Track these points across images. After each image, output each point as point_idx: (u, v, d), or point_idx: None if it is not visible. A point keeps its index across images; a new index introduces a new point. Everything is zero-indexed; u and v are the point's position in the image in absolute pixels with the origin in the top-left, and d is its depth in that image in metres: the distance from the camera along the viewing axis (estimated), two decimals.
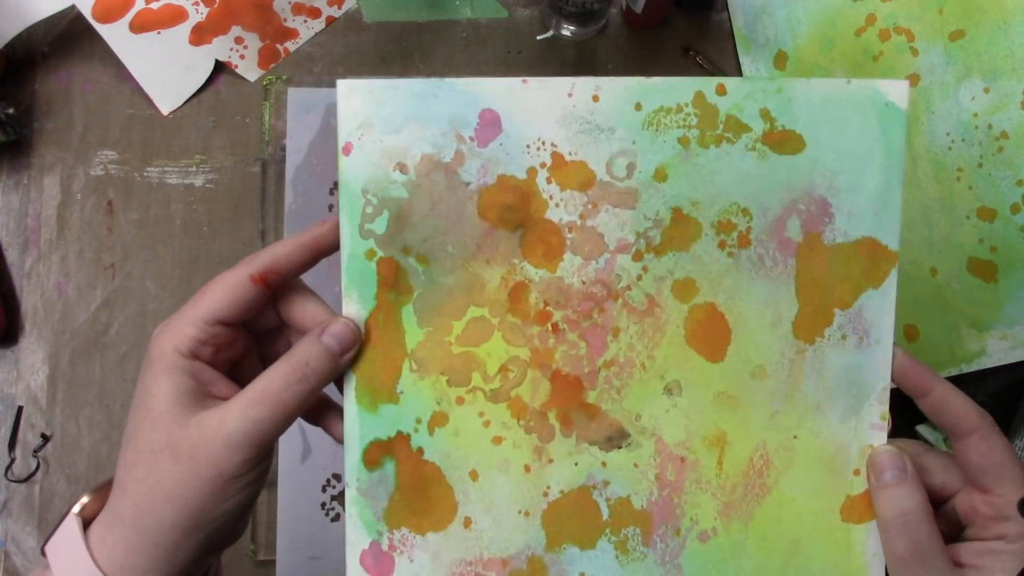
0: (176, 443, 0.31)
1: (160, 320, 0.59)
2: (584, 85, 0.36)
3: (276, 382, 0.32)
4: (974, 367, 0.51)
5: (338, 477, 0.56)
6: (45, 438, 0.57)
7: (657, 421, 0.38)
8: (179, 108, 0.60)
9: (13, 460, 0.57)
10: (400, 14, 0.62)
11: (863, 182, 0.37)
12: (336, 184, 0.58)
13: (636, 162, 0.36)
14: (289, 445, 0.56)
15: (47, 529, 0.57)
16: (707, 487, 0.38)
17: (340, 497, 0.56)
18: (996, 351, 0.50)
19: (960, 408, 0.35)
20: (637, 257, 0.37)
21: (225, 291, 0.34)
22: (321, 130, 0.58)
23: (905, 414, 0.57)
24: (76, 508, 0.34)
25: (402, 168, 0.36)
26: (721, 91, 0.36)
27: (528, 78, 0.36)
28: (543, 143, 0.36)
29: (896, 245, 0.37)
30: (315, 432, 0.56)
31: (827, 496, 0.38)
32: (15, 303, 0.59)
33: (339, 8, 0.61)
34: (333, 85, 0.60)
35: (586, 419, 0.38)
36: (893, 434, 0.51)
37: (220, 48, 0.60)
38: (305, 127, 0.58)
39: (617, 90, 0.36)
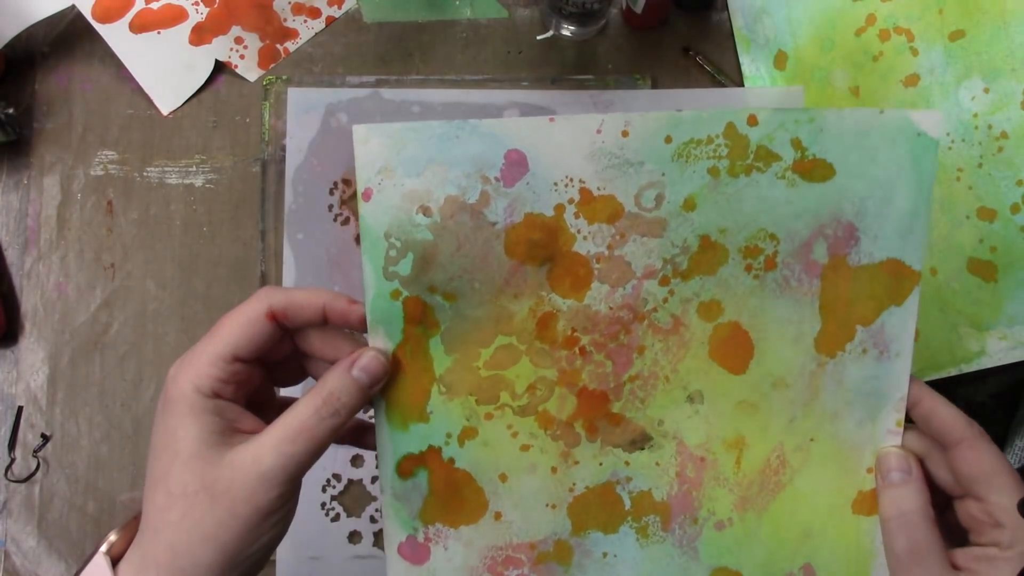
0: (211, 484, 0.31)
1: (161, 320, 0.59)
2: (613, 121, 0.36)
3: (309, 418, 0.32)
4: (974, 367, 0.51)
5: (338, 477, 0.56)
6: (45, 438, 0.57)
7: (679, 426, 0.39)
8: (179, 108, 0.60)
9: (13, 460, 0.57)
10: (400, 14, 0.61)
11: (891, 207, 0.37)
12: (336, 184, 0.58)
13: (665, 193, 0.36)
14: None
15: (47, 529, 0.57)
16: (725, 483, 0.39)
17: (340, 497, 0.56)
18: (996, 351, 0.50)
19: (947, 418, 0.36)
20: (664, 282, 0.37)
21: (241, 328, 0.33)
22: (321, 130, 0.58)
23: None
24: (104, 548, 0.33)
25: (426, 211, 0.35)
26: (753, 122, 0.36)
27: (555, 116, 0.36)
28: (571, 180, 0.36)
29: (920, 265, 0.37)
30: None
31: (840, 491, 0.39)
32: (15, 303, 0.59)
33: (339, 8, 0.61)
34: (333, 85, 0.60)
35: (610, 426, 0.39)
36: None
37: (220, 48, 0.60)
38: (305, 127, 0.58)
39: (648, 124, 0.36)
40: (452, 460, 0.37)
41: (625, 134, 0.36)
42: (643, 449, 0.39)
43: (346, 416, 0.33)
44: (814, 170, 0.37)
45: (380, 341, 0.36)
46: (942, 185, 0.51)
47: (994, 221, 0.50)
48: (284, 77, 0.60)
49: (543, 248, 0.36)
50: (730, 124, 0.36)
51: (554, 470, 0.38)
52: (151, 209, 0.60)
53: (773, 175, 0.37)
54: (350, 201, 0.58)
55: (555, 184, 0.36)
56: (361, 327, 0.35)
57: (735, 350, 0.38)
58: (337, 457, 0.56)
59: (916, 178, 0.37)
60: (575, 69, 0.61)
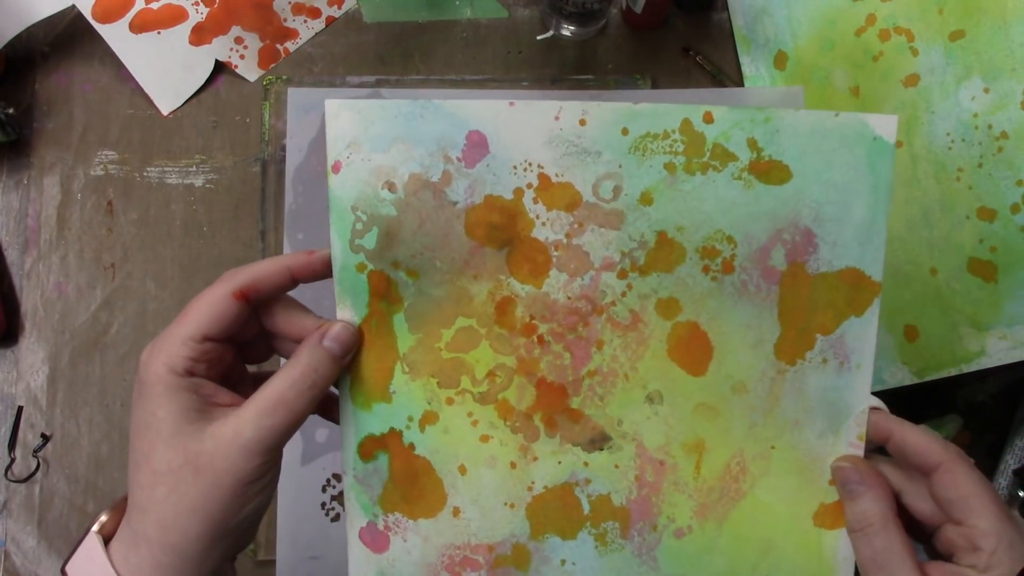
0: (194, 458, 0.32)
1: (161, 320, 0.59)
2: (571, 109, 0.36)
3: (287, 390, 0.33)
4: (974, 367, 0.51)
5: (338, 477, 0.56)
6: (45, 438, 0.58)
7: (638, 427, 0.39)
8: (179, 108, 0.60)
9: (13, 460, 0.57)
10: (400, 14, 0.61)
11: (849, 214, 0.37)
12: None
13: (622, 185, 0.37)
14: (289, 446, 0.56)
15: (47, 529, 0.57)
16: (684, 489, 0.39)
17: (340, 497, 0.56)
18: (996, 351, 0.50)
19: (922, 444, 0.35)
20: (622, 275, 0.38)
21: (209, 308, 0.34)
22: (321, 130, 0.58)
23: (906, 416, 0.57)
24: (95, 527, 0.34)
25: (390, 187, 0.36)
26: (708, 119, 0.36)
27: (516, 100, 0.37)
28: (530, 164, 0.37)
29: (879, 276, 0.37)
30: (316, 433, 0.56)
31: (801, 502, 0.38)
32: (15, 303, 0.59)
33: (339, 8, 0.61)
34: (333, 85, 0.60)
35: (570, 422, 0.39)
36: None
37: (220, 48, 0.60)
38: (305, 127, 0.58)
39: (604, 115, 0.36)
40: (412, 446, 0.38)
41: (583, 123, 0.36)
42: (602, 450, 0.39)
43: (322, 386, 0.34)
44: (771, 172, 0.37)
45: (347, 314, 0.37)
46: (942, 185, 0.52)
47: (994, 221, 0.50)
48: (284, 77, 0.60)
49: (502, 231, 0.37)
50: (686, 120, 0.36)
51: (513, 465, 0.38)
52: (151, 209, 0.60)
53: (730, 175, 0.37)
54: None
55: (515, 167, 0.36)
56: (327, 271, 0.36)
57: (694, 351, 0.38)
58: (336, 458, 0.56)
59: (873, 184, 0.36)
60: (575, 69, 0.61)
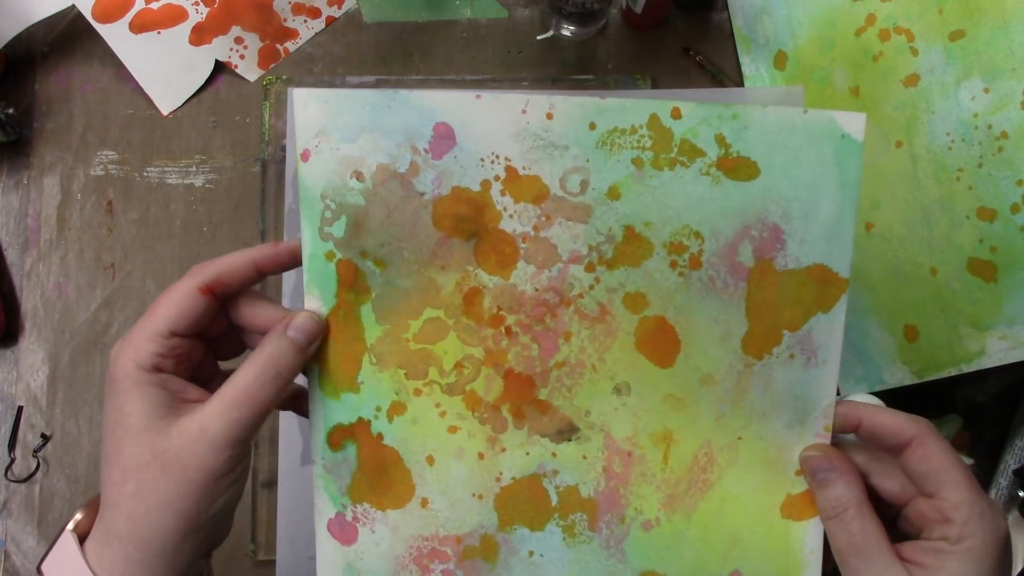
0: (161, 453, 0.32)
1: None
2: (538, 102, 0.36)
3: (251, 383, 0.33)
4: (974, 367, 0.51)
5: None
6: (45, 438, 0.58)
7: (606, 418, 0.39)
8: (179, 108, 0.60)
9: (13, 460, 0.57)
10: (400, 14, 0.62)
11: (816, 211, 0.37)
12: None
13: (590, 179, 0.37)
14: (289, 447, 0.56)
15: (47, 529, 0.57)
16: (652, 480, 0.39)
17: None
18: (996, 351, 0.50)
19: (893, 423, 0.36)
20: (589, 268, 0.38)
21: (175, 304, 0.34)
22: None
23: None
24: (70, 526, 0.34)
25: (359, 176, 0.36)
26: (676, 115, 0.36)
27: (483, 92, 0.37)
28: (497, 157, 0.37)
29: (847, 272, 0.37)
30: None
31: (768, 493, 0.39)
32: (15, 303, 0.59)
33: (339, 8, 0.61)
34: (334, 85, 0.60)
35: (538, 413, 0.39)
36: None
37: (220, 48, 0.60)
38: None
39: (571, 109, 0.36)
40: (380, 435, 0.38)
41: (550, 116, 0.36)
42: (570, 440, 0.39)
43: (288, 377, 0.34)
44: (739, 168, 0.37)
45: (315, 304, 0.37)
46: (942, 185, 0.52)
47: (994, 221, 0.50)
48: (284, 77, 0.60)
49: (470, 222, 0.37)
50: (654, 115, 0.36)
51: (481, 456, 0.38)
52: (151, 209, 0.60)
53: (697, 171, 0.37)
54: None
55: (482, 160, 0.37)
56: (294, 262, 0.37)
57: (662, 343, 0.38)
58: None
59: (840, 181, 0.36)
60: (575, 69, 0.61)
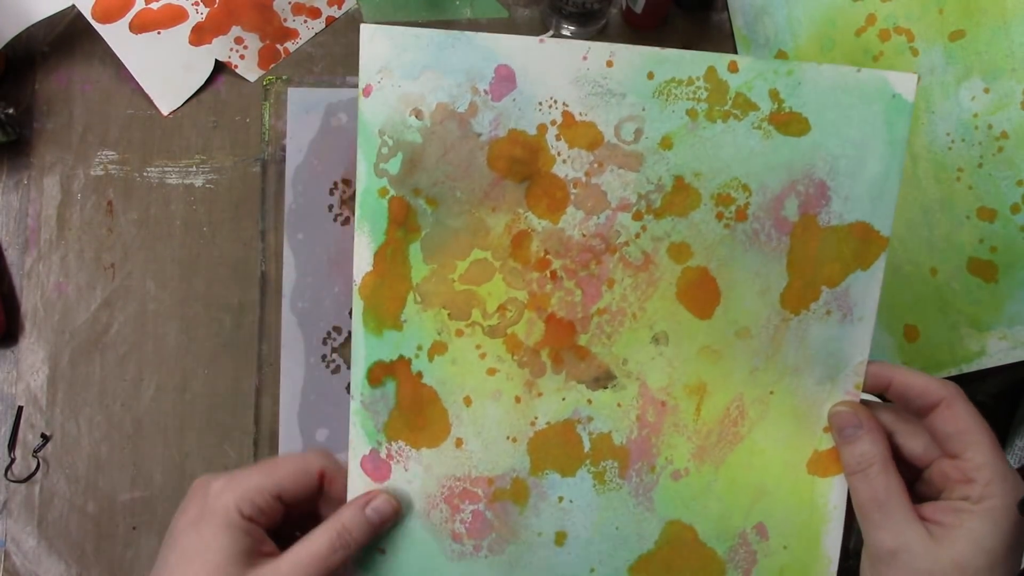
0: None
1: (161, 320, 0.59)
2: (599, 50, 0.37)
3: (323, 548, 0.36)
4: (974, 367, 0.51)
5: None
6: (45, 438, 0.58)
7: (643, 367, 0.40)
8: (179, 108, 0.60)
9: (13, 460, 0.57)
10: (400, 14, 0.61)
11: (863, 169, 0.38)
12: (336, 184, 0.58)
13: (644, 128, 0.38)
14: (289, 445, 0.56)
15: (47, 529, 0.57)
16: (684, 431, 0.40)
17: None
18: (996, 351, 0.50)
19: (922, 384, 0.36)
20: (637, 217, 0.39)
21: (296, 475, 0.37)
22: (321, 130, 0.58)
23: None
24: None
25: (418, 114, 0.37)
26: (733, 68, 0.37)
27: (545, 37, 0.38)
28: (555, 102, 0.37)
29: (888, 231, 0.38)
30: (316, 433, 0.56)
31: (796, 449, 0.40)
32: (15, 303, 0.59)
33: (339, 8, 0.61)
34: (333, 85, 0.60)
35: (576, 359, 0.39)
36: None
37: (220, 48, 0.60)
38: (305, 127, 0.58)
39: (632, 58, 0.37)
40: (420, 374, 0.39)
41: (610, 64, 0.37)
42: (606, 388, 0.40)
43: (355, 548, 0.37)
44: (790, 123, 0.38)
45: (364, 239, 0.38)
46: (942, 185, 0.52)
47: (994, 221, 0.50)
48: (284, 77, 0.60)
49: (524, 165, 0.38)
50: (711, 68, 0.37)
51: (518, 399, 0.39)
52: (151, 209, 0.60)
53: (750, 124, 0.38)
54: (350, 201, 0.58)
55: (539, 104, 0.37)
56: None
57: (702, 295, 0.39)
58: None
59: (889, 140, 0.37)
60: None
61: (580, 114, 0.38)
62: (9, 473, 0.57)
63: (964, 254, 0.51)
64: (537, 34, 0.61)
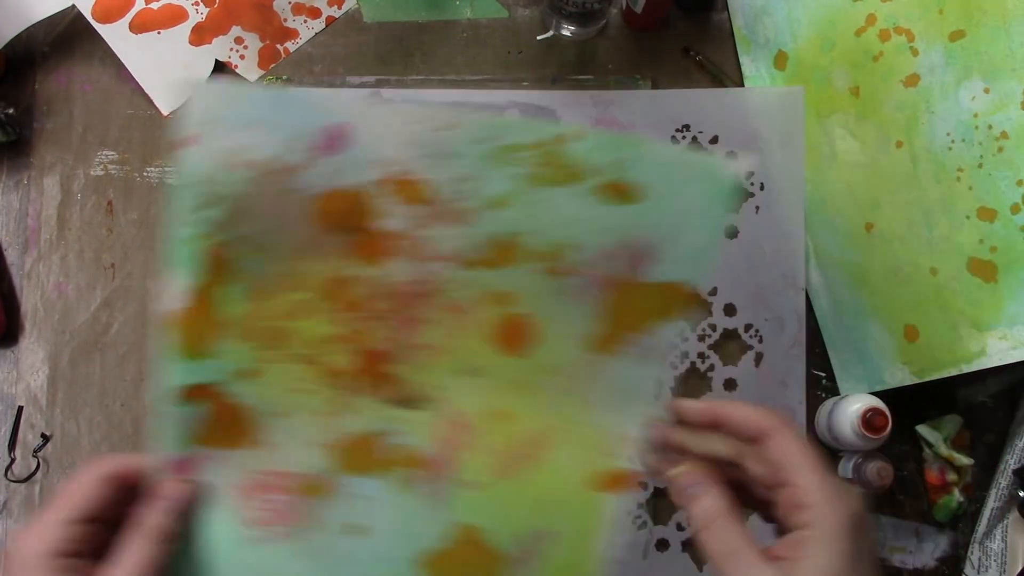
0: None
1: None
2: (438, 114, 0.39)
3: (138, 554, 0.36)
4: (974, 367, 0.51)
5: None
6: (45, 438, 0.57)
7: (454, 393, 0.42)
8: (179, 108, 0.60)
9: (13, 460, 0.57)
10: (400, 14, 0.62)
11: (686, 236, 0.40)
12: None
13: (475, 188, 0.39)
14: None
15: None
16: (485, 450, 0.42)
17: None
18: (996, 351, 0.50)
19: (749, 417, 0.38)
20: (463, 267, 0.40)
21: (91, 491, 0.36)
22: None
23: (906, 416, 0.57)
24: None
25: (244, 166, 0.37)
26: (572, 137, 0.39)
27: (385, 94, 0.40)
28: (387, 160, 0.38)
29: (706, 289, 0.44)
30: None
31: (582, 469, 0.43)
32: (15, 303, 0.59)
33: (339, 8, 0.61)
34: (334, 85, 0.60)
35: (390, 383, 0.42)
36: (895, 435, 0.52)
37: (220, 48, 0.60)
38: None
39: (471, 123, 0.39)
40: (231, 394, 0.39)
41: (448, 127, 0.39)
42: (417, 408, 0.42)
43: (168, 538, 0.37)
44: (623, 192, 0.40)
45: (181, 282, 0.38)
46: (942, 185, 0.52)
47: (994, 221, 0.50)
48: (284, 77, 0.60)
49: (350, 218, 0.38)
50: (549, 135, 0.39)
51: (330, 414, 0.41)
52: (151, 209, 0.60)
53: (583, 190, 0.39)
54: None
55: (371, 162, 0.38)
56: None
57: (520, 338, 0.42)
58: None
59: (714, 214, 0.41)
60: (575, 69, 0.61)
61: (413, 173, 0.39)
62: (9, 473, 0.57)
63: (964, 254, 0.51)
64: (538, 34, 0.61)
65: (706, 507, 0.37)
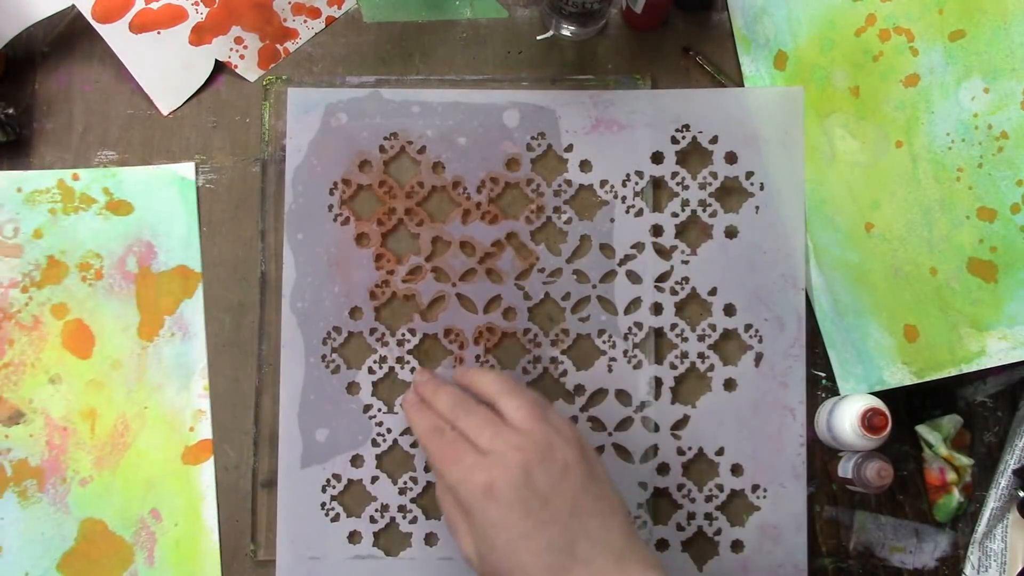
0: None
1: None
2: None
3: None
4: (974, 367, 0.51)
5: (338, 477, 0.56)
6: None
7: (45, 403, 0.55)
8: (179, 108, 0.60)
9: None
10: (400, 14, 0.61)
11: (173, 229, 0.57)
12: (336, 184, 0.58)
13: (20, 226, 0.56)
14: (289, 445, 0.56)
15: None
16: (84, 447, 0.54)
17: (340, 497, 0.56)
18: (996, 351, 0.50)
19: (485, 383, 0.47)
20: (24, 290, 0.55)
21: None
22: (321, 130, 0.58)
23: (906, 416, 0.57)
24: None
25: None
26: (76, 177, 0.57)
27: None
28: None
29: (199, 269, 0.57)
30: (316, 433, 0.56)
31: (171, 447, 0.55)
32: None
33: (339, 8, 0.61)
34: (333, 85, 0.60)
35: None
36: (895, 435, 0.52)
37: (220, 48, 0.60)
38: (305, 127, 0.58)
39: (4, 180, 0.57)
40: None
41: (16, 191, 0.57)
42: (19, 424, 0.54)
43: None
44: (119, 208, 0.57)
45: None
46: (942, 185, 0.51)
47: (994, 221, 0.50)
48: (284, 77, 0.60)
49: None
50: (60, 180, 0.57)
51: None
52: None
53: (94, 212, 0.57)
54: (350, 201, 0.58)
55: None
56: None
57: (81, 341, 0.55)
58: (337, 458, 0.56)
59: (184, 208, 0.57)
60: (575, 69, 0.61)
61: None
62: None
63: (964, 254, 0.51)
64: (538, 34, 0.61)
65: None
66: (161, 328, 0.55)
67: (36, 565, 0.53)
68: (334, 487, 0.56)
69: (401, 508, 0.56)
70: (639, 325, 0.57)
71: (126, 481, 0.54)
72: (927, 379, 0.53)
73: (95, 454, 0.53)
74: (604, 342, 0.57)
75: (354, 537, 0.56)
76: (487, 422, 0.44)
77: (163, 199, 0.57)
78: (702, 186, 0.58)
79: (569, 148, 0.59)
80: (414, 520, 0.56)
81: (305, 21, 0.61)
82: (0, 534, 0.52)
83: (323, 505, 0.56)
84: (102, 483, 0.53)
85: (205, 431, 0.55)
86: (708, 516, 0.56)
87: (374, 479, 0.56)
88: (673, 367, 0.57)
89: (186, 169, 0.57)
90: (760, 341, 0.57)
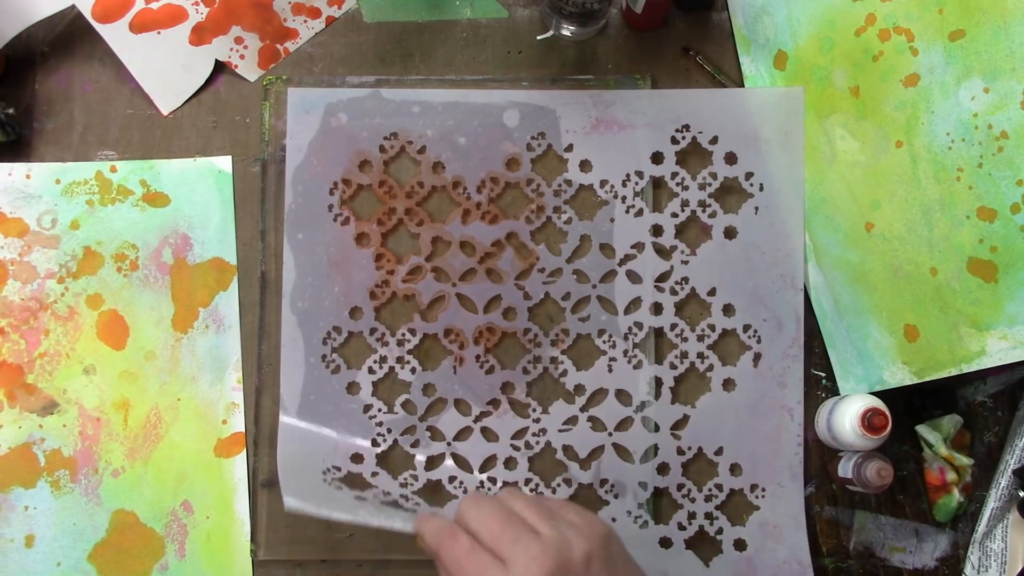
0: None
1: None
2: (19, 168, 0.57)
3: None
4: (974, 367, 0.51)
5: (338, 468, 0.56)
6: None
7: (79, 393, 0.55)
8: (179, 108, 0.60)
9: None
10: (400, 14, 0.61)
11: (210, 222, 0.57)
12: (336, 184, 0.58)
13: (58, 217, 0.57)
14: (289, 447, 0.56)
15: None
16: (117, 438, 0.55)
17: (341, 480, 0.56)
18: (996, 351, 0.50)
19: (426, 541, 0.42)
20: (60, 281, 0.56)
21: None
22: (321, 130, 0.58)
23: (906, 416, 0.57)
24: None
25: None
26: (113, 169, 0.57)
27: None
28: None
29: (235, 261, 0.57)
30: (315, 431, 0.56)
31: (204, 440, 0.55)
32: None
33: (339, 8, 0.61)
34: (333, 85, 0.60)
35: (27, 395, 0.55)
36: (895, 435, 0.52)
37: (220, 48, 0.60)
38: (305, 127, 0.58)
39: (43, 171, 0.57)
40: None
41: (28, 177, 0.57)
42: (53, 414, 0.54)
43: None
44: (156, 199, 0.57)
45: None
46: (942, 185, 0.51)
47: (994, 221, 0.50)
48: (284, 77, 0.60)
49: None
50: (98, 171, 0.57)
51: None
52: None
53: (130, 203, 0.57)
54: (350, 201, 0.58)
55: None
56: None
57: (115, 331, 0.55)
58: (337, 450, 0.56)
59: (220, 200, 0.58)
60: (575, 69, 0.61)
61: (10, 213, 0.56)
62: None
63: (964, 254, 0.51)
64: (538, 34, 0.61)
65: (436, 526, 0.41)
66: (196, 320, 0.55)
67: (67, 555, 0.53)
68: (334, 474, 0.56)
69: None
70: (639, 325, 0.57)
71: (158, 473, 0.54)
72: (927, 379, 0.53)
73: (127, 445, 0.54)
74: (604, 342, 0.57)
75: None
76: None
77: (200, 191, 0.57)
78: (702, 186, 0.58)
79: (569, 148, 0.59)
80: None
81: (305, 21, 0.61)
82: (32, 524, 0.52)
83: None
84: (134, 475, 0.54)
85: (238, 424, 0.55)
86: (708, 515, 0.56)
87: (374, 476, 0.56)
88: (673, 367, 0.57)
89: (223, 162, 0.57)
90: (759, 341, 0.57)
